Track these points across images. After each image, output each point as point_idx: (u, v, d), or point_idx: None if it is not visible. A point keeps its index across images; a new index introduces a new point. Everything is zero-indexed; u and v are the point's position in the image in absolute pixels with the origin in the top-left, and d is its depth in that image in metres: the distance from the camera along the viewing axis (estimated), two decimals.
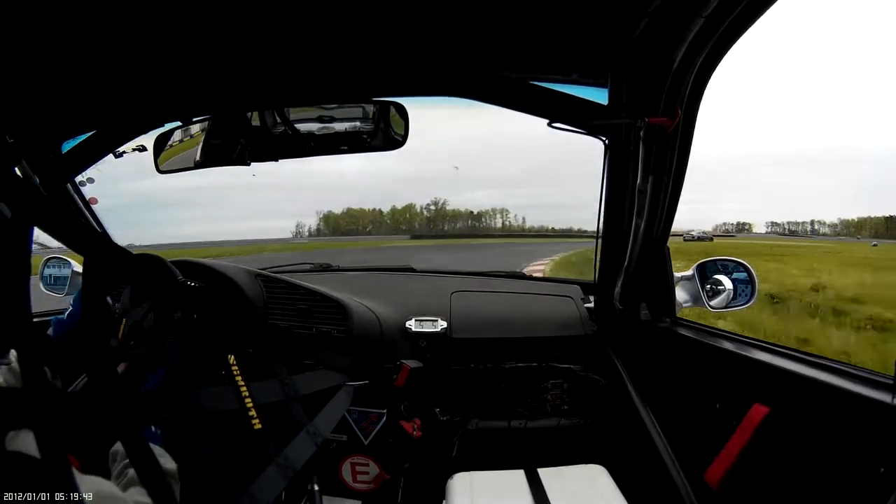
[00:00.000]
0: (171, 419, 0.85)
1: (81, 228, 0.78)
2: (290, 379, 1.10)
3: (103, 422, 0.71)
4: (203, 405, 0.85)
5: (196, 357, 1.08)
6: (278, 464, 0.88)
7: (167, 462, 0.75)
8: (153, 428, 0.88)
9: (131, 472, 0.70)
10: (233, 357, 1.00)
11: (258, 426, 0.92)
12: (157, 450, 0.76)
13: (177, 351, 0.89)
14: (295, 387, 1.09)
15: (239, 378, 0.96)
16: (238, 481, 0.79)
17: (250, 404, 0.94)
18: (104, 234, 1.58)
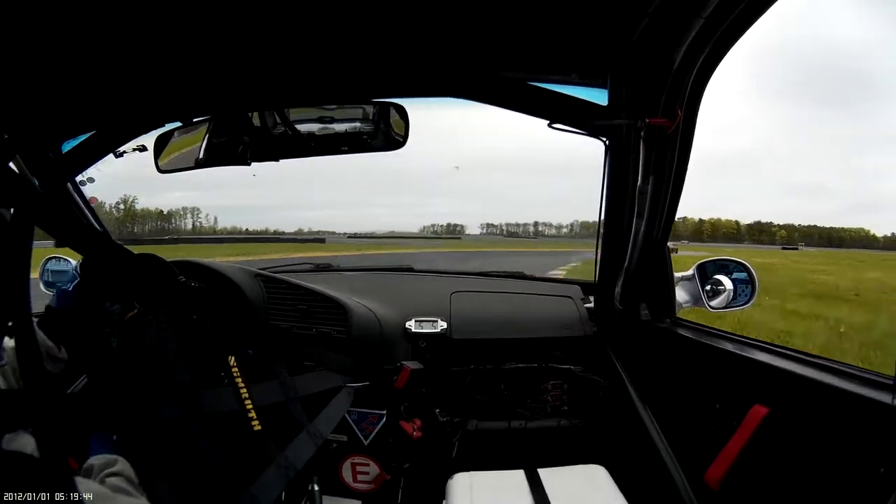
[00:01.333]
0: (172, 419, 0.85)
1: (82, 228, 0.78)
2: (290, 380, 1.10)
3: (102, 421, 0.71)
4: (203, 406, 0.85)
5: (196, 358, 1.08)
6: (278, 464, 0.88)
7: (126, 469, 0.74)
8: (114, 437, 0.87)
9: (111, 480, 0.70)
10: (233, 358, 1.00)
11: (258, 427, 0.93)
12: (111, 458, 0.76)
13: (177, 351, 0.89)
14: (295, 387, 1.09)
15: (239, 380, 0.96)
16: (238, 482, 0.79)
17: (250, 406, 0.94)
18: (105, 234, 1.58)
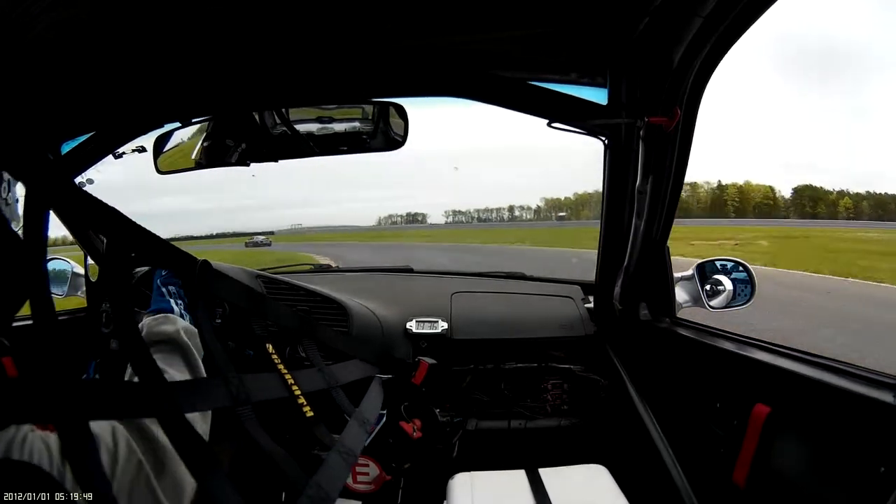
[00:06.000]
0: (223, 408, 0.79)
1: (103, 209, 0.71)
2: (327, 368, 1.08)
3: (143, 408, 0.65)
4: (251, 393, 0.77)
5: (233, 344, 1.04)
6: (338, 451, 0.84)
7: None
8: None
9: None
10: (271, 346, 0.94)
11: (310, 414, 0.88)
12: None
13: (213, 334, 0.84)
14: (334, 376, 1.07)
15: (281, 366, 0.91)
16: (299, 471, 0.75)
17: (298, 392, 0.89)
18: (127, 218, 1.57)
